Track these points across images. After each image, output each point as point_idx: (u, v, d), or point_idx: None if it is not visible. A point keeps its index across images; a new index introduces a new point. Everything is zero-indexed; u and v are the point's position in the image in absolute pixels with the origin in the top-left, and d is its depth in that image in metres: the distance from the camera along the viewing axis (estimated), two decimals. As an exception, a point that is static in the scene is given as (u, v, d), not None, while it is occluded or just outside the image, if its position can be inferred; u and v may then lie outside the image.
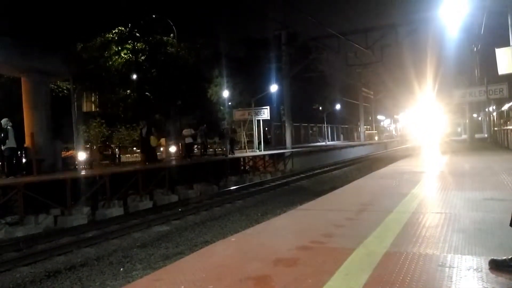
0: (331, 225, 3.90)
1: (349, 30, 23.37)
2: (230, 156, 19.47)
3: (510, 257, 2.33)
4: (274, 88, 29.27)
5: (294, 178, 19.04)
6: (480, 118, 37.57)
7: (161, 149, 21.75)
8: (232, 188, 15.66)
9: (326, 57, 28.64)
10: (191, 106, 26.77)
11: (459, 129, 54.90)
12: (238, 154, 21.29)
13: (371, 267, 2.54)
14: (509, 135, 16.59)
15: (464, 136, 40.29)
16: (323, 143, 39.95)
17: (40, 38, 13.61)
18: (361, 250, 2.92)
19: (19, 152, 12.21)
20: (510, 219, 2.47)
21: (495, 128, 23.13)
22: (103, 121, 24.64)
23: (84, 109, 27.74)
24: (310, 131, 43.36)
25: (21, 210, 9.48)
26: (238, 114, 25.70)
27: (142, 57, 25.51)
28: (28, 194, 9.73)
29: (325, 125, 45.26)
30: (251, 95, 27.96)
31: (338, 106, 51.44)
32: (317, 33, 24.70)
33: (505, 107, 18.65)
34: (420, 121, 52.51)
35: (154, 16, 25.72)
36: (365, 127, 47.92)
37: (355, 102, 46.44)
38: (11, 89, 17.93)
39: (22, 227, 9.26)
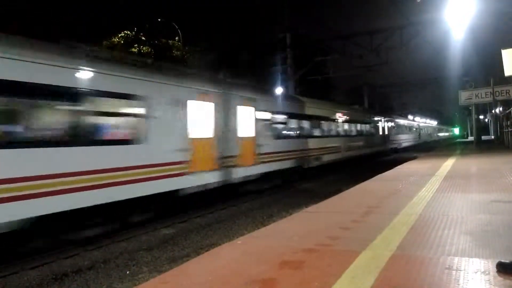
0: (337, 227, 3.89)
1: (354, 32, 23.34)
2: None
3: None
4: (278, 90, 29.25)
5: (299, 179, 18.98)
6: (486, 120, 37.37)
7: None
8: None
9: (331, 59, 28.52)
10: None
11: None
12: None
13: (377, 270, 2.53)
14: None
15: (470, 138, 40.30)
16: None
17: (47, 42, 13.69)
18: (367, 253, 2.91)
19: None
20: None
21: (505, 130, 22.92)
22: None
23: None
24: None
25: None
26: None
27: (148, 61, 25.67)
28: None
29: None
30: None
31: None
32: (322, 35, 24.74)
33: None
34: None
35: (159, 20, 25.89)
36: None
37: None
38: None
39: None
